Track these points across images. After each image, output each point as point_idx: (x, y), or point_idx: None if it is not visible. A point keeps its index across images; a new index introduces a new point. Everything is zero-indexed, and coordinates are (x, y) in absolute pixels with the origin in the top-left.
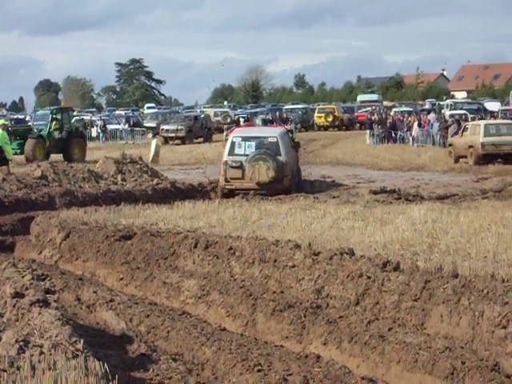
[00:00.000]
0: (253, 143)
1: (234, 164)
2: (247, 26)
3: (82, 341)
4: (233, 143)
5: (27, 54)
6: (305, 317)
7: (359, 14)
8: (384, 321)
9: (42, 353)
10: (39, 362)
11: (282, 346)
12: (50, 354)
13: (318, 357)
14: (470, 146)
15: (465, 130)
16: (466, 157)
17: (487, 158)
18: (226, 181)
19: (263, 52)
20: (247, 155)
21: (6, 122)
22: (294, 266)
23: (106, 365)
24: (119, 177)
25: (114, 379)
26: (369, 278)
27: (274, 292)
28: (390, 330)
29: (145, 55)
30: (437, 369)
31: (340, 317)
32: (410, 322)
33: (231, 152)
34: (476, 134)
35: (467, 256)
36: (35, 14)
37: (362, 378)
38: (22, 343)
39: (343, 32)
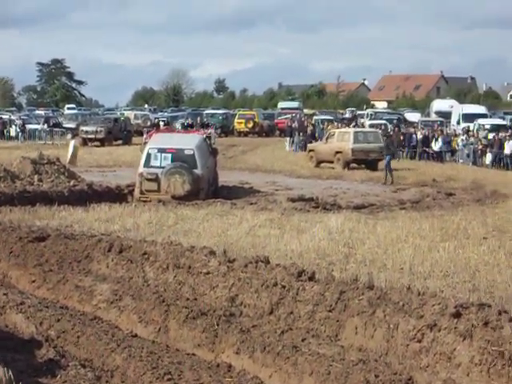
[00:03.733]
0: (169, 155)
1: (149, 176)
2: (176, 28)
3: None
4: (149, 154)
5: None
6: (218, 325)
7: (289, 20)
8: (298, 331)
9: None
10: None
11: (193, 355)
12: None
13: (230, 366)
14: (338, 152)
15: (329, 136)
16: (329, 162)
17: (355, 163)
18: (142, 193)
19: (190, 56)
20: (163, 167)
21: None
22: (208, 273)
23: (10, 371)
24: (36, 177)
25: None
26: (283, 287)
27: (188, 299)
28: (303, 340)
29: (70, 56)
30: (350, 381)
31: (253, 326)
32: (324, 333)
33: (147, 164)
34: (345, 140)
35: (383, 267)
36: None
37: None
38: None
39: (271, 38)
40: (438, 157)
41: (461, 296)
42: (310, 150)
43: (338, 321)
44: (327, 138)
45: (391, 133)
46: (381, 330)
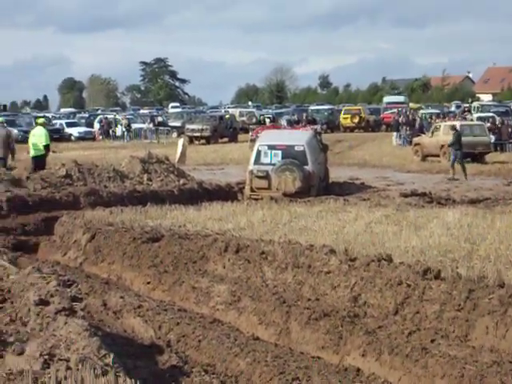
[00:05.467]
0: (279, 152)
1: (259, 174)
2: (279, 26)
3: (111, 355)
4: (259, 151)
5: (59, 51)
6: (342, 326)
7: (392, 15)
8: (426, 332)
9: (68, 368)
10: (65, 378)
11: (318, 358)
12: (78, 370)
13: (358, 370)
14: (444, 146)
15: (435, 129)
16: (435, 156)
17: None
18: (252, 190)
19: (294, 53)
20: (273, 164)
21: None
22: (329, 272)
23: (138, 382)
24: (145, 176)
25: None
26: (409, 286)
27: (309, 299)
28: (432, 341)
29: (172, 55)
30: None
31: (379, 327)
32: (453, 334)
33: (257, 161)
34: (451, 134)
35: (510, 264)
36: (69, 12)
37: None
38: (46, 357)
39: (373, 34)
40: None
41: None
42: (416, 144)
43: (467, 321)
44: (433, 132)
45: (499, 125)
46: None
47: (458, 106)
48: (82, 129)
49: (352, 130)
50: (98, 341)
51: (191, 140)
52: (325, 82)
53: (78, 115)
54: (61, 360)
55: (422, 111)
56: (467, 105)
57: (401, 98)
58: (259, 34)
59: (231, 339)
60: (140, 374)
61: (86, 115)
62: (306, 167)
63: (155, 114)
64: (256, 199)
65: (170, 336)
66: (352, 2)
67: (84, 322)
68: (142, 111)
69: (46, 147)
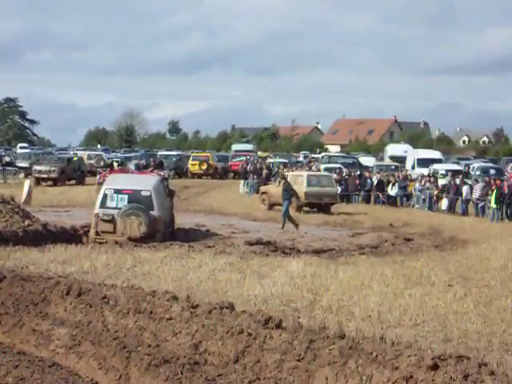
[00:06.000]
0: (125, 196)
1: (105, 217)
2: (131, 70)
3: None
4: (105, 195)
5: None
6: (182, 373)
7: (245, 62)
8: (265, 381)
9: None
10: None
11: None
12: None
13: None
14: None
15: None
16: (281, 205)
17: (308, 206)
18: (97, 234)
19: (145, 97)
20: (119, 208)
21: None
22: (170, 319)
23: None
24: None
25: None
26: (250, 334)
27: (150, 345)
28: None
29: (23, 95)
30: None
31: (219, 375)
32: None
33: (103, 204)
34: (298, 183)
35: (351, 315)
36: None
37: None
38: None
39: (227, 81)
40: (393, 201)
41: (435, 346)
42: (263, 193)
43: (307, 371)
44: (280, 181)
45: (346, 176)
46: (353, 382)
47: (305, 156)
48: None
49: (200, 176)
50: None
51: (38, 181)
52: (174, 128)
53: None
54: None
55: (269, 160)
56: (315, 155)
57: (249, 146)
58: (112, 77)
59: None
60: None
61: None
62: (151, 212)
63: (3, 153)
64: (101, 243)
65: (7, 379)
66: (205, 49)
67: None
68: None
69: None
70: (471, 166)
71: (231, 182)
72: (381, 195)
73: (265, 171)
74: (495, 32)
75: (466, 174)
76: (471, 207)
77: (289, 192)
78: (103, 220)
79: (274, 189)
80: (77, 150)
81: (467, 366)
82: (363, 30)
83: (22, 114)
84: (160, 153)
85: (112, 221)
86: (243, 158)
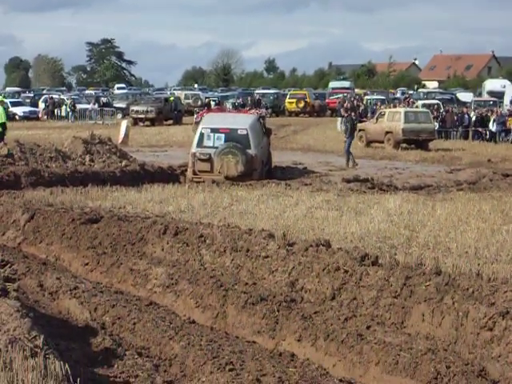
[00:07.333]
0: (222, 135)
1: (202, 157)
2: (229, 9)
3: (42, 337)
4: (202, 134)
5: (7, 30)
6: (278, 311)
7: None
8: (362, 318)
9: None
10: None
11: (254, 342)
12: (7, 351)
13: (293, 355)
14: (388, 132)
15: (380, 116)
16: (379, 142)
17: (406, 143)
18: (194, 173)
19: (243, 36)
20: (216, 147)
21: (4, 99)
22: (267, 257)
23: (66, 365)
24: (87, 157)
25: (75, 382)
26: (346, 271)
27: (246, 283)
28: (368, 328)
29: (121, 36)
30: (419, 372)
31: (315, 312)
32: (389, 321)
33: (200, 144)
34: (395, 120)
35: (448, 251)
36: None
37: (340, 381)
38: None
39: (325, 18)
40: (492, 137)
41: None
42: (360, 130)
43: (403, 308)
44: (377, 118)
45: (444, 113)
46: (449, 318)
47: (403, 93)
48: (27, 108)
49: (297, 114)
50: (30, 322)
51: (136, 121)
52: (271, 66)
53: (22, 95)
54: None
55: (366, 97)
56: (411, 92)
57: (346, 84)
58: (209, 17)
59: (166, 322)
60: (72, 355)
61: (31, 95)
62: (248, 151)
63: (100, 94)
64: (198, 182)
65: (105, 318)
66: None
67: (16, 303)
68: (87, 92)
69: (3, 125)
70: None
71: (328, 120)
72: (482, 131)
73: (362, 108)
74: None
75: None
76: None
77: (352, 128)
78: (200, 159)
79: (372, 126)
80: (174, 89)
81: None
82: None
83: (119, 55)
84: (257, 91)
85: (209, 160)
86: (340, 96)
